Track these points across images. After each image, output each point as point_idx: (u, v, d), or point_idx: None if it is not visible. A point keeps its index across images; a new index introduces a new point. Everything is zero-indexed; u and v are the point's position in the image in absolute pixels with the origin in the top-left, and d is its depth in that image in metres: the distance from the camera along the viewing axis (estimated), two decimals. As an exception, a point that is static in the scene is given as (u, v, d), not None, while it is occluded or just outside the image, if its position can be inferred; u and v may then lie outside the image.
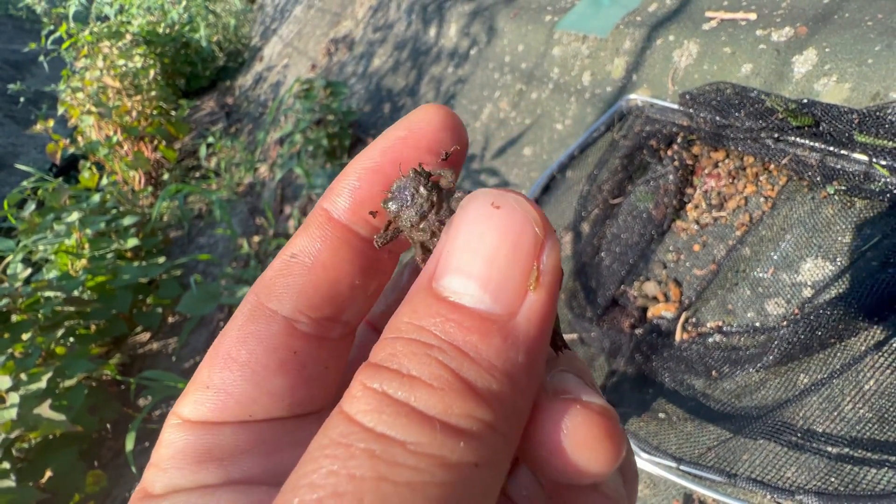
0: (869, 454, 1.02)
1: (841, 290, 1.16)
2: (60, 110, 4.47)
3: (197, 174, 5.03)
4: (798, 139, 1.34)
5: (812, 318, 1.14)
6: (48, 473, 1.81)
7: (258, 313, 0.28)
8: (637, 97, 1.80)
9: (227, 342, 0.27)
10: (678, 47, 1.82)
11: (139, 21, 6.65)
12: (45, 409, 1.58)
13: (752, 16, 1.63)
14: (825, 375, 1.12)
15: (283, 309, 0.28)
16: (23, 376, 1.59)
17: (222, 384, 0.26)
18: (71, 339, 2.10)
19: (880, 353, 1.08)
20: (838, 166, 1.27)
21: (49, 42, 5.85)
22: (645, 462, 1.14)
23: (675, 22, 1.88)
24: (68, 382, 1.72)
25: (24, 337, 1.91)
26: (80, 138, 4.53)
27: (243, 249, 3.49)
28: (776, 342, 1.17)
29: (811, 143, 1.31)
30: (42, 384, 1.54)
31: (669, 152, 1.66)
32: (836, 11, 1.45)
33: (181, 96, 6.68)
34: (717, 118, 1.48)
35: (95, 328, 2.29)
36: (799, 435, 1.10)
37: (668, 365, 1.37)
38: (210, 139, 4.52)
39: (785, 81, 1.49)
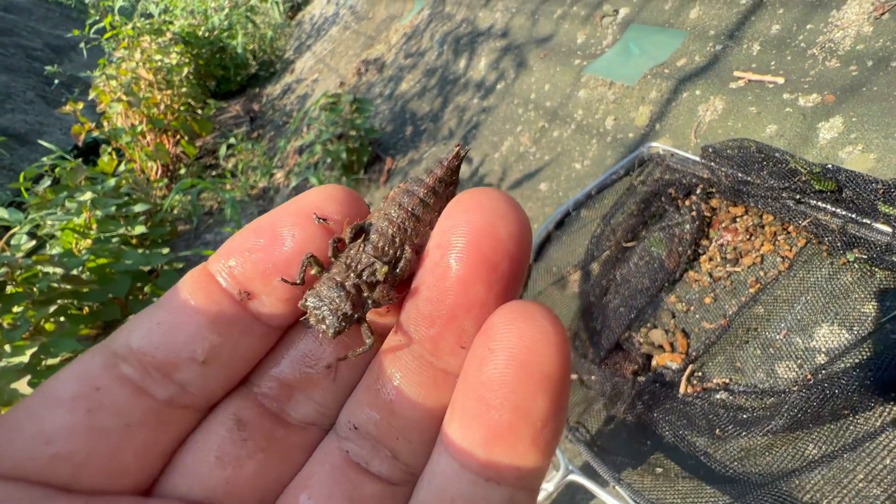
0: (878, 539, 0.96)
1: (857, 361, 1.12)
2: (91, 95, 4.57)
3: (213, 173, 5.09)
4: (820, 203, 1.32)
5: (826, 385, 1.09)
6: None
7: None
8: (659, 145, 1.81)
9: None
10: (704, 102, 1.85)
11: (181, 22, 6.90)
12: (22, 385, 1.53)
13: (780, 79, 1.66)
14: (836, 448, 1.06)
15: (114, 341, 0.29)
16: (7, 348, 1.55)
17: None
18: (62, 318, 2.06)
19: None
20: (860, 234, 1.25)
21: (92, 31, 6.06)
22: (638, 518, 1.07)
23: (702, 78, 1.91)
24: (51, 361, 1.67)
25: (16, 309, 1.88)
26: (105, 124, 4.62)
27: (248, 251, 3.47)
28: (786, 407, 1.13)
29: (833, 209, 1.30)
30: (25, 358, 1.50)
31: (688, 202, 1.65)
32: (865, 84, 1.47)
33: (210, 97, 6.84)
34: (739, 174, 1.48)
35: (88, 310, 2.25)
36: (804, 509, 1.03)
37: (670, 418, 1.31)
38: (232, 140, 4.59)
39: (809, 146, 1.50)
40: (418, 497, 0.28)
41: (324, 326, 0.30)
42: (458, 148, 0.35)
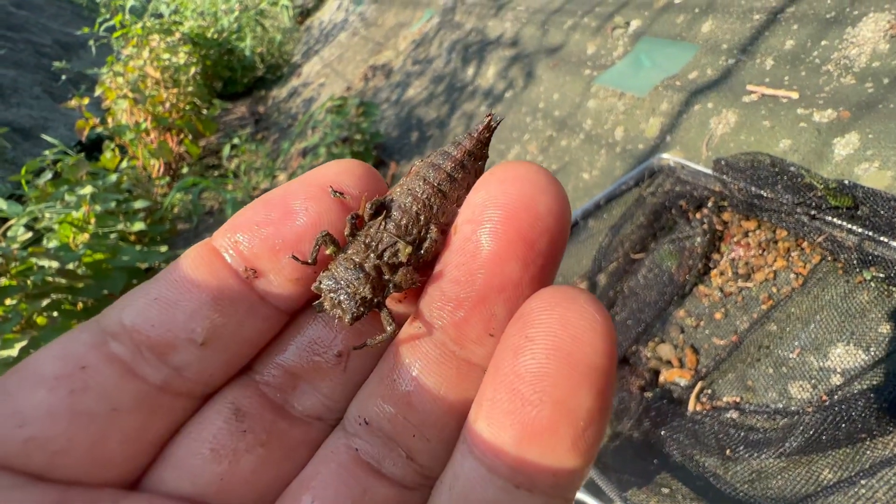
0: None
1: (875, 383, 1.08)
2: (98, 91, 4.57)
3: (216, 173, 5.07)
4: (835, 219, 1.30)
5: (842, 407, 1.05)
6: None
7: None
8: (669, 157, 1.79)
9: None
10: (716, 115, 1.83)
11: (191, 23, 6.94)
12: (10, 380, 1.48)
13: (794, 94, 1.64)
14: (853, 473, 1.02)
15: (103, 318, 0.27)
16: (-4, 340, 1.51)
17: None
18: (55, 313, 2.02)
19: (915, 458, 0.99)
20: (877, 252, 1.22)
21: (101, 29, 6.08)
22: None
23: (714, 91, 1.90)
24: (41, 356, 1.62)
25: (8, 301, 1.84)
26: (110, 120, 4.61)
27: (247, 252, 3.44)
28: (800, 428, 1.09)
29: (849, 226, 1.27)
30: (14, 352, 1.46)
31: (698, 215, 1.63)
32: (881, 101, 1.45)
33: (216, 97, 6.86)
34: (752, 188, 1.45)
35: (82, 306, 2.21)
36: (819, 536, 0.99)
37: (678, 436, 1.27)
38: (236, 140, 4.58)
39: (824, 161, 1.47)
40: None
41: (340, 312, 0.27)
42: (489, 118, 0.31)
